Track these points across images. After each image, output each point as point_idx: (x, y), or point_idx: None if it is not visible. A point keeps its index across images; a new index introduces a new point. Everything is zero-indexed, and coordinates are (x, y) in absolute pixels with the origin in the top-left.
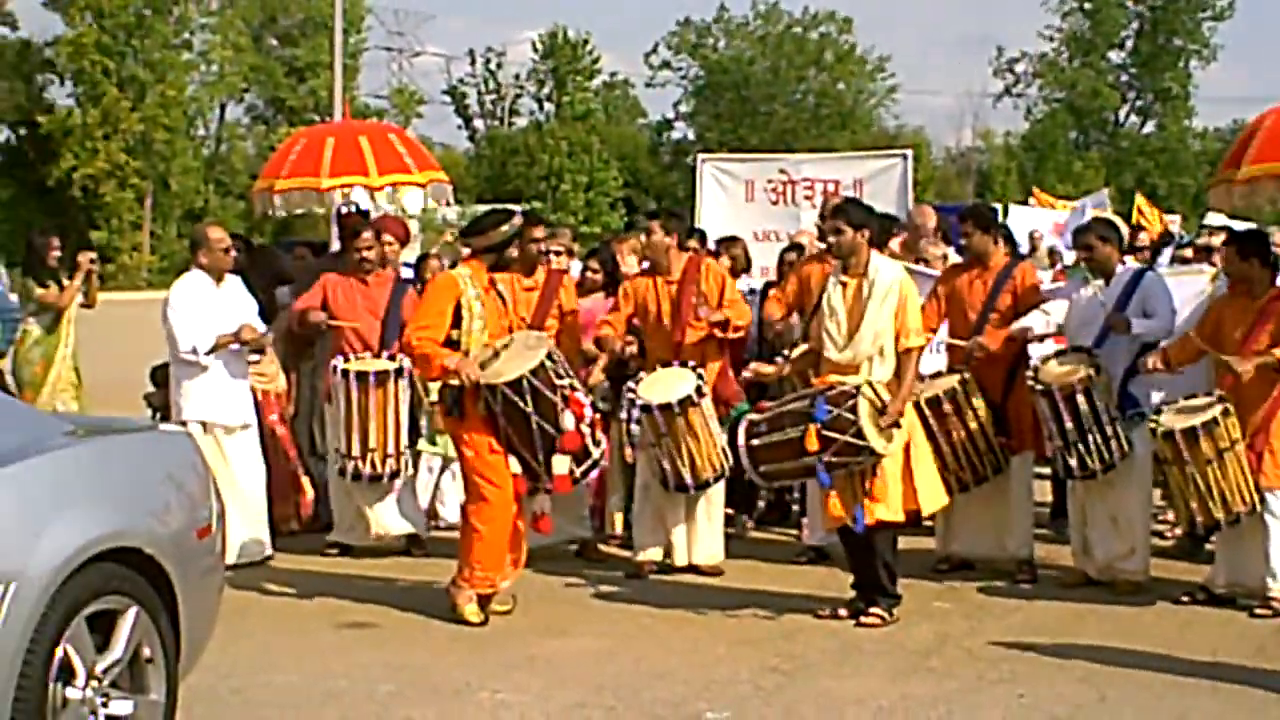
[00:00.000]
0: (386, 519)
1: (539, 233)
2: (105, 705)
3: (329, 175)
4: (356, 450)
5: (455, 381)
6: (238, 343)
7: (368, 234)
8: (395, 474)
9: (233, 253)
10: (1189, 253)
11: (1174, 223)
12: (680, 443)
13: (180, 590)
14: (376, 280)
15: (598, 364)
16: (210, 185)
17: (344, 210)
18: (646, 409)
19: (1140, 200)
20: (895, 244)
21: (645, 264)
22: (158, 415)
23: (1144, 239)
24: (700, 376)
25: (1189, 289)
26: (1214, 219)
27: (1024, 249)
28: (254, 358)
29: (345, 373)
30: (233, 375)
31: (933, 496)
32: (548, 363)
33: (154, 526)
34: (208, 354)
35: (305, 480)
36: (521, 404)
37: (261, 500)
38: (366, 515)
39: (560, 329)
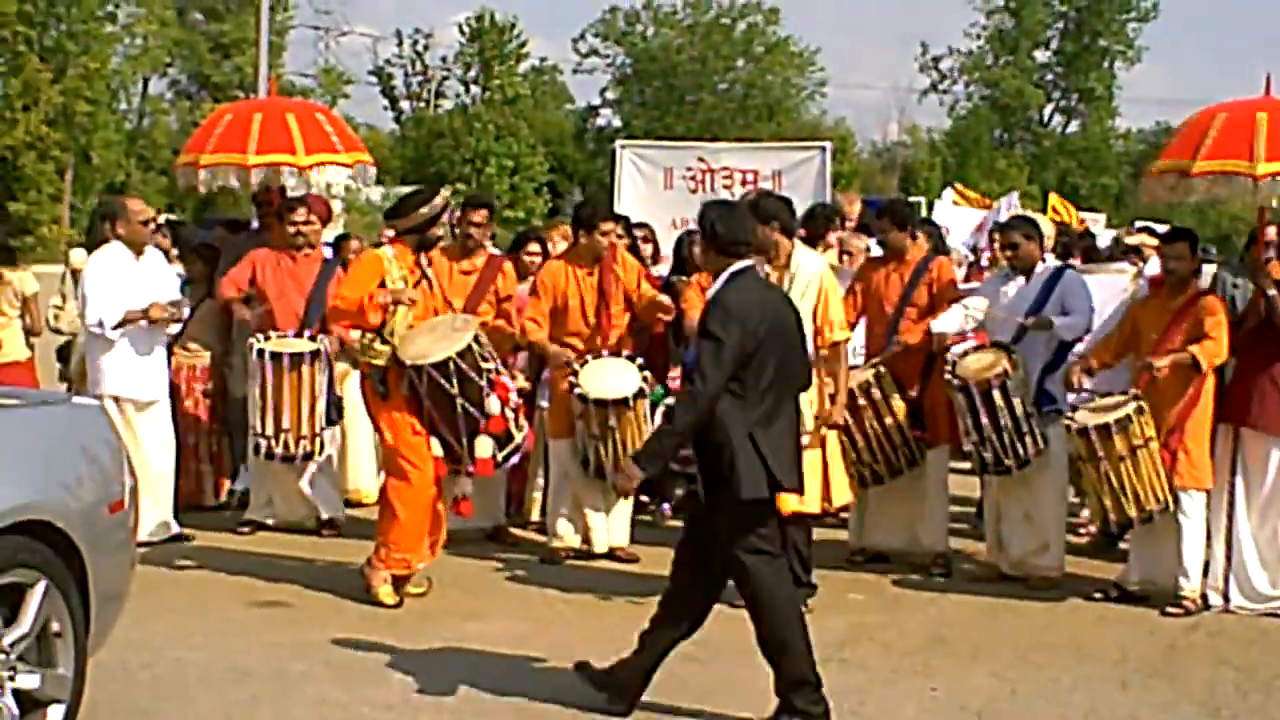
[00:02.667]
0: (296, 501)
1: (478, 217)
2: (12, 679)
3: (256, 153)
4: (270, 430)
5: (377, 360)
6: (146, 320)
7: (302, 210)
8: (309, 455)
9: (151, 226)
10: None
11: (1097, 222)
12: (627, 435)
13: (91, 565)
14: (305, 258)
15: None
16: (132, 160)
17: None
18: (601, 404)
19: (1054, 199)
20: (832, 237)
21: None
22: (71, 388)
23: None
24: (641, 367)
25: (1111, 288)
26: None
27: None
28: (174, 329)
29: (261, 352)
30: (146, 350)
31: (841, 489)
32: (474, 345)
33: (65, 500)
34: (114, 329)
35: (224, 458)
36: (447, 386)
37: (169, 479)
38: (276, 498)
39: (495, 315)
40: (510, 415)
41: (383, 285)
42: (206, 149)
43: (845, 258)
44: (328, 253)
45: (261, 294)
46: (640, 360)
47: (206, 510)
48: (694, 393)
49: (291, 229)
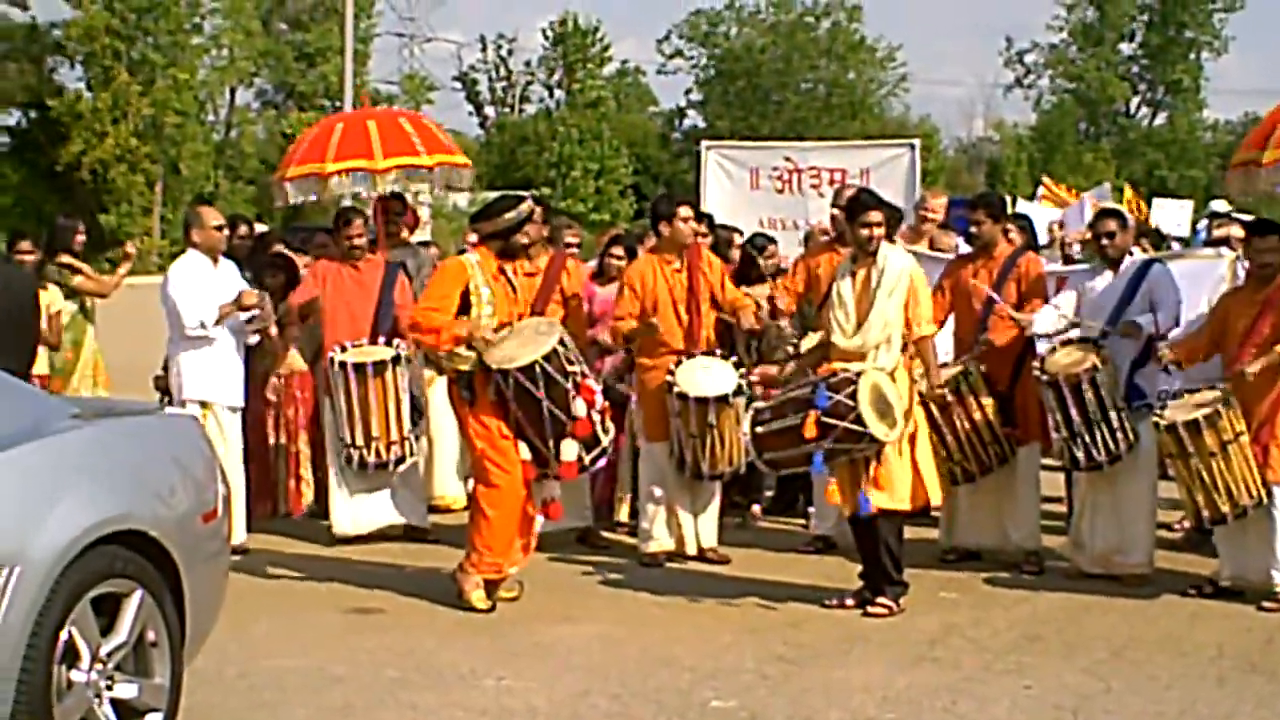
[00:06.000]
0: (379, 512)
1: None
2: (110, 689)
3: (333, 160)
4: (360, 440)
5: (464, 366)
6: (241, 310)
7: (357, 221)
8: (401, 460)
9: (225, 232)
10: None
11: (1184, 208)
12: (726, 432)
13: (185, 574)
14: (367, 264)
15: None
16: (220, 170)
17: (348, 202)
18: (702, 401)
19: (1129, 192)
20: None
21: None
22: (165, 398)
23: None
24: (735, 366)
25: (1205, 277)
26: (1218, 205)
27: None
28: (253, 340)
29: (344, 364)
30: (232, 356)
31: (933, 490)
32: (560, 349)
33: (159, 510)
34: (215, 325)
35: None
36: (534, 390)
37: (242, 484)
38: (355, 509)
39: (565, 313)
40: (596, 418)
41: (467, 292)
42: (293, 163)
43: (939, 253)
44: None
45: (325, 305)
46: (734, 359)
47: (293, 519)
48: None
49: (347, 242)
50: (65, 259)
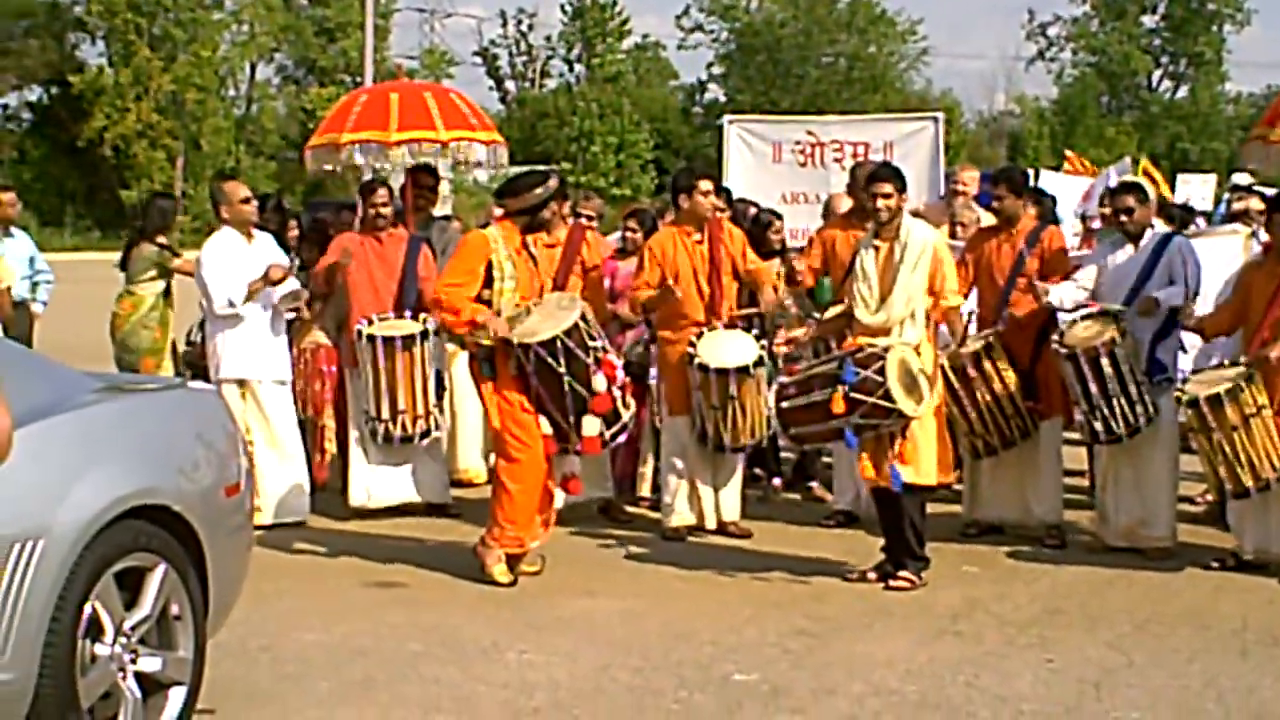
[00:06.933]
0: (398, 488)
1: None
2: (134, 662)
3: (350, 130)
4: (386, 413)
5: (485, 340)
6: (268, 284)
7: (382, 191)
8: (426, 433)
9: (253, 203)
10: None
11: (1207, 183)
12: (748, 403)
13: (208, 548)
14: (390, 238)
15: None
16: (241, 145)
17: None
18: (723, 373)
19: (1145, 163)
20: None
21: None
22: (188, 373)
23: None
24: (756, 337)
25: (1224, 252)
26: (1240, 179)
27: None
28: (290, 315)
29: (371, 337)
30: (270, 331)
31: (947, 463)
32: (581, 324)
33: (182, 484)
34: (245, 303)
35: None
36: (554, 364)
37: (302, 457)
38: (374, 481)
39: (584, 286)
40: (617, 394)
41: (490, 266)
42: (346, 128)
43: (959, 229)
44: None
45: (347, 278)
46: (755, 331)
47: (315, 493)
48: None
49: (372, 210)
50: (163, 240)
